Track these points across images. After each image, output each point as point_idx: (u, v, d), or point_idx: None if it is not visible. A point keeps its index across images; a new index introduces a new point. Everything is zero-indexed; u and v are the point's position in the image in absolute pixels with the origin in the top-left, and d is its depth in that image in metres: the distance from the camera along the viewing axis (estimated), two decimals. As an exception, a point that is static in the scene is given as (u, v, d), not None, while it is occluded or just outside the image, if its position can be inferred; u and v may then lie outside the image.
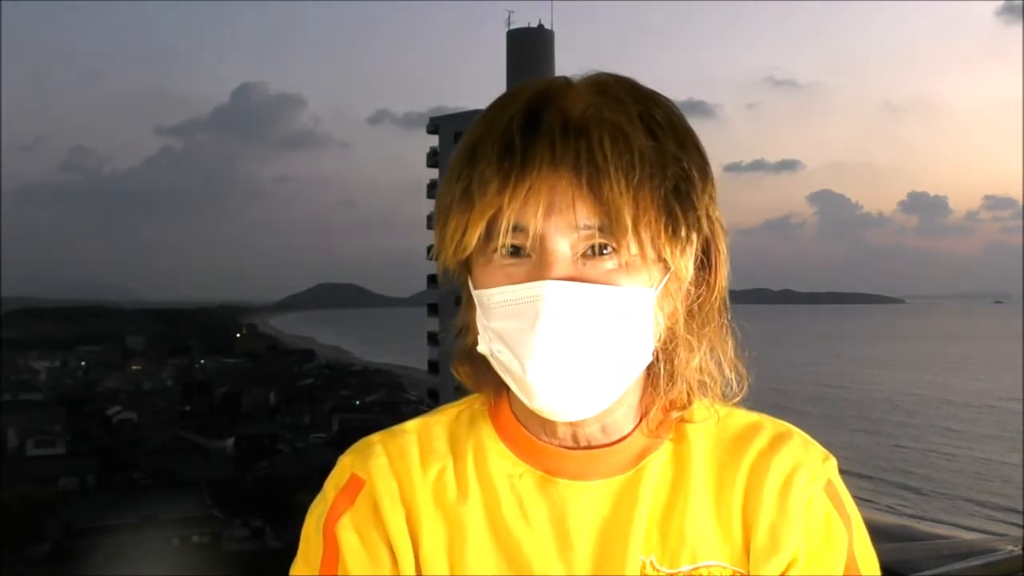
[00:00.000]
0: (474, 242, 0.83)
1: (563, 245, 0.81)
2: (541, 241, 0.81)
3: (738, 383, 0.93)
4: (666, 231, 0.81)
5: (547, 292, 0.80)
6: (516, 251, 0.83)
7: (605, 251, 0.81)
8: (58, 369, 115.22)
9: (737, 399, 0.94)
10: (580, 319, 0.81)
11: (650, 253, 0.82)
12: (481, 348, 0.88)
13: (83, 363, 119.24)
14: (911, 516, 47.15)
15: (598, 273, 0.81)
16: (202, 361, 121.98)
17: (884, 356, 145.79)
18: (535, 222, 0.80)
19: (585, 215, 0.80)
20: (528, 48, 60.91)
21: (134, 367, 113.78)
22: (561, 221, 0.80)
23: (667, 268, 0.85)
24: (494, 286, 0.84)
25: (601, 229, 0.80)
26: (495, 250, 0.83)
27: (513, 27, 63.15)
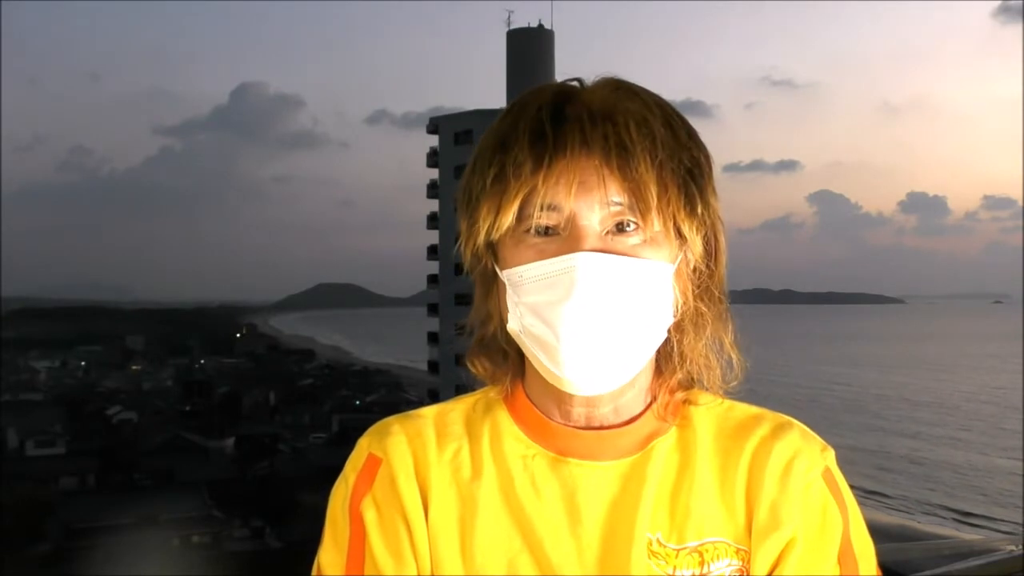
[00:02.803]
0: (508, 221, 0.88)
1: (593, 221, 0.87)
2: (573, 217, 0.87)
3: (738, 366, 0.99)
4: (685, 208, 0.89)
5: (580, 263, 0.86)
6: (547, 230, 0.89)
7: (629, 227, 0.88)
8: (58, 369, 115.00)
9: (735, 383, 1.00)
10: (610, 288, 0.87)
11: (671, 229, 0.90)
12: (511, 326, 0.92)
13: (83, 363, 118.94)
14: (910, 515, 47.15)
15: (624, 247, 0.88)
16: (202, 361, 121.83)
17: (873, 357, 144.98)
18: (568, 200, 0.87)
19: (614, 192, 0.87)
20: (528, 48, 60.85)
21: (134, 367, 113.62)
22: (592, 198, 0.87)
23: (682, 246, 0.92)
24: (526, 263, 0.90)
25: (628, 206, 0.87)
26: (526, 230, 0.89)
27: (513, 27, 63.16)
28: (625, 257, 0.88)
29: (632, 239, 0.89)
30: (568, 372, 0.88)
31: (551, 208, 0.87)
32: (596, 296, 0.86)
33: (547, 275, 0.88)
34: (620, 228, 0.88)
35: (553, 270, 0.87)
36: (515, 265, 0.90)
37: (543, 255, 0.88)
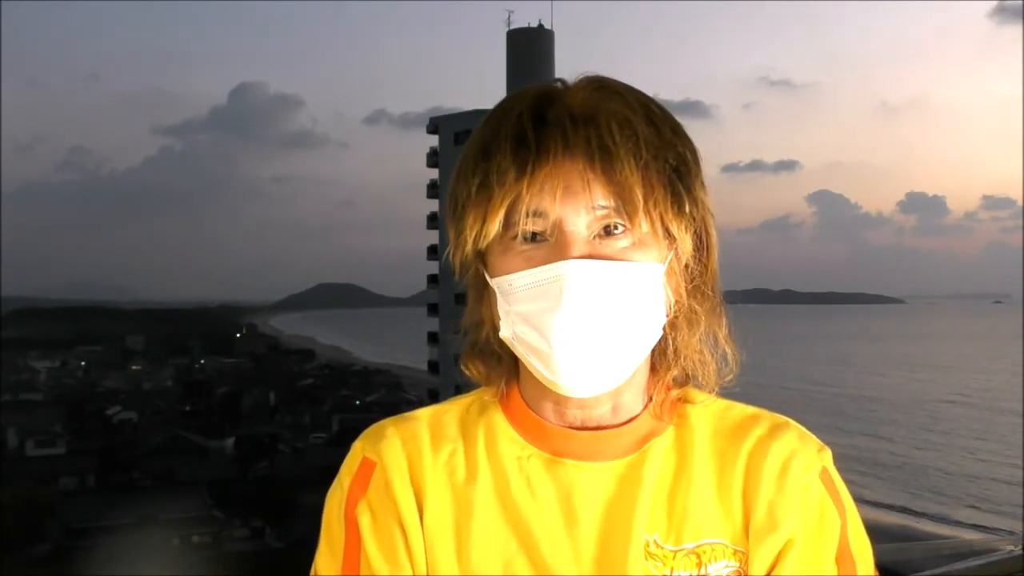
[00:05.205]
0: (495, 230, 0.88)
1: (579, 226, 0.87)
2: (559, 223, 0.87)
3: (733, 361, 0.99)
4: (672, 207, 0.88)
5: (568, 271, 0.86)
6: (534, 236, 0.88)
7: (617, 230, 0.88)
8: (58, 369, 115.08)
9: (731, 377, 0.99)
10: (600, 294, 0.86)
11: (659, 230, 0.89)
12: (503, 333, 0.92)
13: (83, 363, 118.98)
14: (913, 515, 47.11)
15: (613, 251, 0.88)
16: (202, 361, 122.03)
17: (867, 357, 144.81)
18: (553, 206, 0.86)
19: (600, 196, 0.86)
20: (528, 48, 60.88)
21: (134, 367, 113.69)
22: (577, 203, 0.86)
23: (671, 245, 0.91)
24: (515, 271, 0.89)
25: (615, 208, 0.87)
26: (513, 237, 0.89)
27: (513, 27, 63.18)
28: (613, 261, 0.87)
29: (621, 242, 0.88)
30: (563, 378, 0.88)
31: (536, 214, 0.87)
32: (586, 303, 0.86)
33: (536, 283, 0.87)
34: (608, 231, 0.88)
35: (542, 278, 0.87)
36: (504, 273, 0.90)
37: (531, 263, 0.88)
